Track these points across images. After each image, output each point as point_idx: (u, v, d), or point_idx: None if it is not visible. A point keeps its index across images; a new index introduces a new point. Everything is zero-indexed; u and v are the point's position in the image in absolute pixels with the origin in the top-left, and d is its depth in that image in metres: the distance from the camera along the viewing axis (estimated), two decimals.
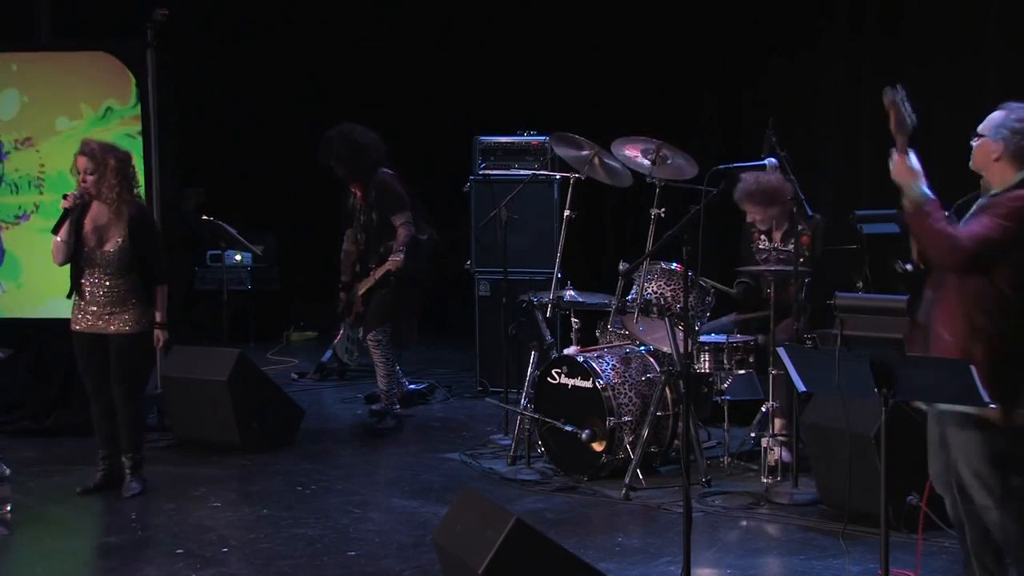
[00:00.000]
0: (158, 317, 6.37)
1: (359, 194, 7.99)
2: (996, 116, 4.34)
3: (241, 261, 11.31)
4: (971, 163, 4.38)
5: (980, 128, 4.35)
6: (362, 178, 7.90)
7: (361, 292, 7.93)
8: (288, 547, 5.57)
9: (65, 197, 6.27)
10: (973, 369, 3.78)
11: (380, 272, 7.73)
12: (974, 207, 4.35)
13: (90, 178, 6.24)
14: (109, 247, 6.29)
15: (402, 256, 7.63)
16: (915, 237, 4.32)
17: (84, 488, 6.44)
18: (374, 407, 8.13)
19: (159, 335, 6.41)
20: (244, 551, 5.54)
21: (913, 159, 4.25)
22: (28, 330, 8.31)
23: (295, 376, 9.84)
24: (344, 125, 7.96)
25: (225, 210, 9.35)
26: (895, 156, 4.25)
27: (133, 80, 8.07)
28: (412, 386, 8.73)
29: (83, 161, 6.27)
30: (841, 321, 4.01)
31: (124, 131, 8.08)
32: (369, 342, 7.94)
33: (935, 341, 4.23)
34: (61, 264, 6.37)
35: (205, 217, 8.94)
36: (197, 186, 10.30)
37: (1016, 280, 4.17)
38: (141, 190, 6.65)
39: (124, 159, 6.35)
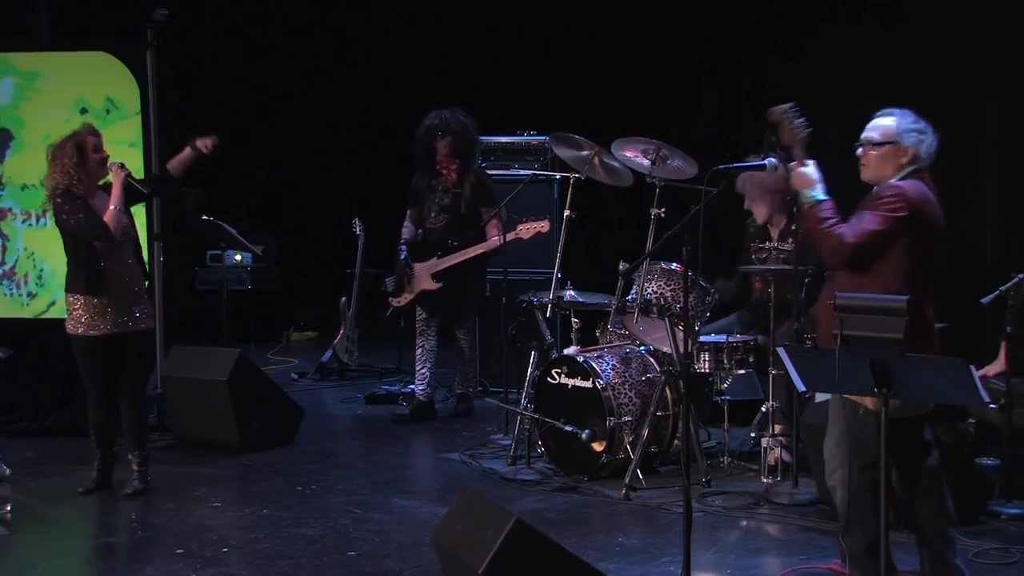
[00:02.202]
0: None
1: (454, 177, 8.03)
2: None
3: (241, 261, 11.32)
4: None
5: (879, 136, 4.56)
6: (467, 162, 8.05)
7: (450, 265, 7.96)
8: (288, 547, 5.57)
9: (115, 166, 6.27)
10: (972, 369, 3.79)
11: (512, 236, 7.68)
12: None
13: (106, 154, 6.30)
14: (127, 223, 6.33)
15: (546, 223, 7.71)
16: (810, 238, 4.68)
17: (85, 488, 6.45)
18: (459, 392, 8.38)
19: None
20: (244, 551, 5.53)
21: (810, 168, 4.56)
22: (28, 330, 8.31)
23: (295, 376, 9.85)
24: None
25: (225, 210, 9.37)
26: (792, 167, 4.56)
27: (135, 81, 8.07)
28: (412, 386, 8.73)
29: (95, 139, 6.27)
30: (841, 321, 4.00)
31: (125, 134, 8.07)
32: (465, 331, 8.18)
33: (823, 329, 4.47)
34: (115, 238, 6.23)
35: (205, 217, 8.94)
36: (197, 186, 10.31)
37: (903, 273, 4.36)
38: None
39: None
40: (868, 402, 4.32)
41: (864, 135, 4.60)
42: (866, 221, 4.42)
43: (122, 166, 6.29)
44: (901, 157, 4.52)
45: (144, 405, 6.57)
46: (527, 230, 7.66)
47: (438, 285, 8.01)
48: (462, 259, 7.92)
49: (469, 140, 8.02)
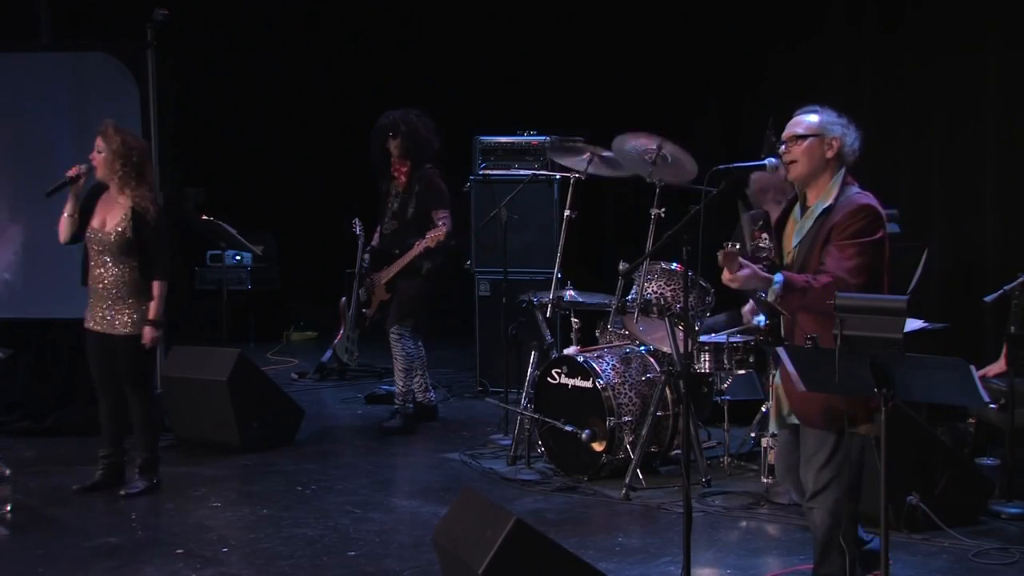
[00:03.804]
0: (150, 313, 6.28)
1: (403, 179, 7.84)
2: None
3: (241, 261, 11.32)
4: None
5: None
6: (416, 163, 7.78)
7: (390, 277, 7.79)
8: (288, 547, 5.57)
9: (70, 169, 6.35)
10: (972, 369, 3.78)
11: (419, 248, 7.53)
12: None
13: (98, 156, 6.28)
14: (108, 228, 6.28)
15: (444, 230, 7.47)
16: (804, 309, 4.34)
17: (81, 487, 6.45)
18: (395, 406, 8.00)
19: (147, 332, 6.26)
20: (244, 551, 5.54)
21: (748, 268, 4.25)
22: (28, 330, 8.30)
23: (295, 376, 9.84)
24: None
25: (225, 210, 9.36)
26: (730, 275, 4.24)
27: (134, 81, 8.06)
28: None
29: (98, 140, 6.31)
30: (841, 321, 3.99)
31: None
32: (392, 335, 7.82)
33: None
34: (67, 241, 6.41)
35: (205, 217, 8.94)
36: (197, 186, 10.31)
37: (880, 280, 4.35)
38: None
39: (132, 145, 6.31)
40: (861, 428, 4.34)
41: (786, 133, 4.50)
42: (852, 255, 4.29)
43: (70, 168, 6.38)
44: (827, 150, 4.43)
45: (150, 408, 6.47)
46: (432, 240, 7.47)
47: (390, 295, 7.86)
48: (402, 266, 7.72)
49: (417, 140, 7.74)
